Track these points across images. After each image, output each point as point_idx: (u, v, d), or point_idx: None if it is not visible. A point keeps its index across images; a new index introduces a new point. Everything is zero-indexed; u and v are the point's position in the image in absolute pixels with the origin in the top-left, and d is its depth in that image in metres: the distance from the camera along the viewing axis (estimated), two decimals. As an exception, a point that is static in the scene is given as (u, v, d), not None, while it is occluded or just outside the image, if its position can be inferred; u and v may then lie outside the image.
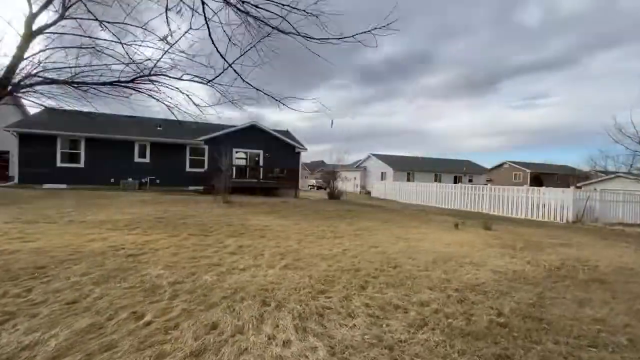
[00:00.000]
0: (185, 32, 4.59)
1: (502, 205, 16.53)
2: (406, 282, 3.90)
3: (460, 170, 37.70)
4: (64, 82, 3.92)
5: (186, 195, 15.12)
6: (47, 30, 4.12)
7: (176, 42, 4.51)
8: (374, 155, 36.48)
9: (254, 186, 16.86)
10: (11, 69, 3.66)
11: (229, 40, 4.41)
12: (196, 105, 5.18)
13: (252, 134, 19.18)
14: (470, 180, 37.57)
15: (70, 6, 4.29)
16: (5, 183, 14.77)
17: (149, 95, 4.59)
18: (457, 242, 7.10)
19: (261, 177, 18.73)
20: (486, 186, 18.06)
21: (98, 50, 4.45)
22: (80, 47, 4.34)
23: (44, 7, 4.07)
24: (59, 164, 15.90)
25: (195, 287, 3.36)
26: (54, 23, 4.17)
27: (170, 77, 4.55)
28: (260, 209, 11.27)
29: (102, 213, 8.19)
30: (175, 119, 5.71)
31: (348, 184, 38.00)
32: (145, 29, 4.90)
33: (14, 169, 15.30)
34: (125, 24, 4.47)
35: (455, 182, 33.42)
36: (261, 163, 19.34)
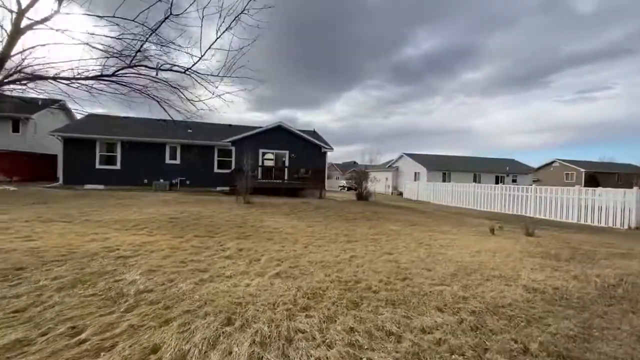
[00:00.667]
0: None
1: (550, 208, 14.78)
2: (411, 299, 3.25)
3: (502, 170, 34.91)
4: (47, 78, 3.78)
5: (212, 195, 15.29)
6: (36, 27, 4.03)
7: (152, 27, 4.23)
8: (406, 154, 34.95)
9: (279, 187, 16.67)
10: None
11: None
12: (189, 100, 4.90)
13: (278, 135, 19.07)
14: (514, 181, 34.66)
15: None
16: (52, 184, 15.96)
17: (133, 89, 4.38)
18: (489, 249, 6.20)
19: (286, 177, 18.53)
20: (530, 187, 16.30)
21: (92, 47, 4.30)
22: (73, 44, 4.22)
23: (32, 3, 3.97)
24: (97, 166, 16.90)
25: (163, 297, 3.01)
26: (46, 19, 4.08)
27: (149, 67, 4.30)
28: (279, 210, 10.95)
29: (121, 213, 8.32)
30: (170, 119, 5.48)
31: (379, 184, 36.83)
32: (144, 25, 4.71)
33: (60, 171, 16.47)
34: (121, 18, 4.30)
35: (497, 183, 31.01)
36: (287, 163, 19.15)
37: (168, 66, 5.15)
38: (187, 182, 18.22)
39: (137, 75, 4.33)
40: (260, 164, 18.61)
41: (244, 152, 17.69)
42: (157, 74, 4.69)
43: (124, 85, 4.23)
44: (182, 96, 4.84)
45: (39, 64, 3.91)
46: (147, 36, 4.40)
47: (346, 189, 36.80)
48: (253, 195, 15.16)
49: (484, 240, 7.52)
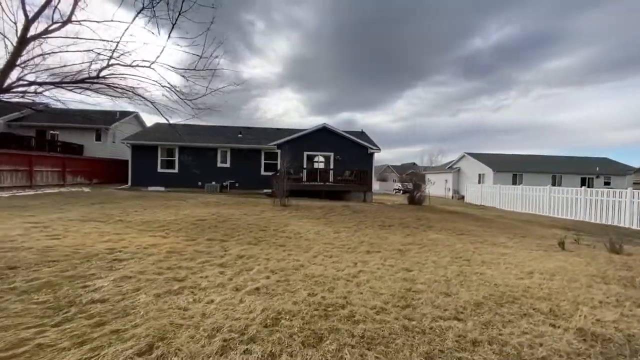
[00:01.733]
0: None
1: (653, 217, 11.77)
2: (397, 339, 2.47)
3: (591, 171, 29.49)
4: (40, 84, 3.88)
5: (255, 197, 15.56)
6: (46, 36, 4.19)
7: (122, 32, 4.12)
8: (469, 154, 31.71)
9: (321, 189, 16.26)
10: (3, 74, 3.75)
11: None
12: (180, 95, 4.71)
13: (323, 137, 18.70)
14: (607, 183, 29.04)
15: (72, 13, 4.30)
16: (122, 186, 17.93)
17: (121, 89, 4.32)
18: (547, 270, 4.89)
19: (331, 179, 18.07)
20: (626, 191, 13.23)
21: (98, 53, 4.37)
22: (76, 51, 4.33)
23: (39, 13, 4.11)
24: (159, 169, 18.50)
25: (108, 310, 2.73)
26: (55, 30, 4.22)
27: (126, 65, 4.18)
28: (312, 214, 10.51)
29: (157, 214, 8.71)
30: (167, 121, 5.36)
31: (438, 187, 34.14)
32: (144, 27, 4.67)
33: (129, 175, 18.44)
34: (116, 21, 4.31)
35: (585, 186, 26.33)
36: (331, 165, 18.66)
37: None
38: (237, 185, 18.93)
39: (121, 76, 4.27)
40: (304, 166, 18.46)
41: (288, 154, 17.77)
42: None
43: (109, 87, 4.20)
44: (177, 95, 4.67)
45: (39, 71, 4.05)
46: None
47: (401, 191, 34.94)
48: (295, 197, 15.03)
49: (545, 256, 6.07)
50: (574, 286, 4.09)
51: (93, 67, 4.06)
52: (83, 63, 4.12)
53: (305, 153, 18.62)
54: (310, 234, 7.11)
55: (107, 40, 4.16)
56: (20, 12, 3.98)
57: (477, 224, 11.09)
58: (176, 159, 18.60)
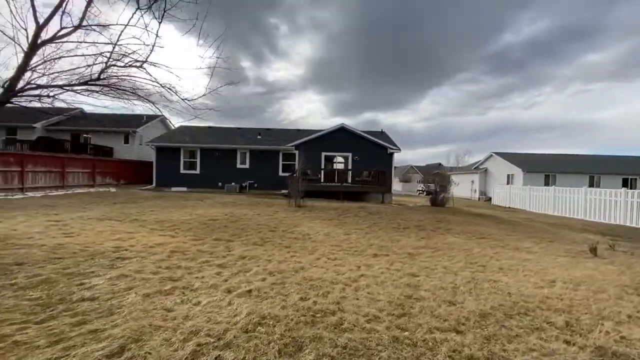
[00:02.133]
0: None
1: None
2: (382, 352, 2.27)
3: (635, 171, 27.21)
4: (47, 87, 4.01)
5: (272, 198, 15.62)
6: (56, 41, 4.35)
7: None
8: (496, 154, 30.21)
9: (338, 190, 16.06)
10: (15, 79, 3.92)
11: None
12: (183, 99, 4.73)
13: (341, 137, 18.48)
14: (653, 185, 26.63)
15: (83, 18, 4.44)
16: (147, 186, 18.65)
17: (122, 90, 4.39)
18: (572, 278, 4.46)
19: (349, 180, 17.81)
20: (673, 192, 12.00)
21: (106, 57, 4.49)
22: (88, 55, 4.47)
23: (49, 19, 4.26)
24: (182, 170, 19.08)
25: (94, 309, 2.73)
26: (66, 35, 4.37)
27: (123, 66, 4.23)
28: (325, 215, 10.35)
29: (172, 214, 8.90)
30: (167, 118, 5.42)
31: (464, 189, 32.85)
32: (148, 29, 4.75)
33: (153, 176, 19.15)
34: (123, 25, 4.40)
35: (627, 187, 24.33)
36: (350, 166, 18.39)
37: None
38: (255, 185, 19.13)
39: (125, 77, 4.34)
40: (322, 167, 18.32)
41: (306, 155, 17.71)
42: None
43: (112, 88, 4.28)
44: (175, 96, 4.69)
45: (48, 74, 4.20)
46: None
47: (424, 193, 33.95)
48: (311, 198, 14.94)
49: (573, 263, 5.57)
50: (600, 297, 3.68)
51: (96, 69, 4.17)
52: (89, 66, 4.24)
53: (323, 154, 18.48)
54: (319, 235, 6.97)
55: (111, 44, 4.26)
56: (30, 18, 4.14)
57: (501, 227, 10.47)
58: (198, 160, 19.10)
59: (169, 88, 4.43)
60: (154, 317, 2.62)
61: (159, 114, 5.52)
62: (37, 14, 4.21)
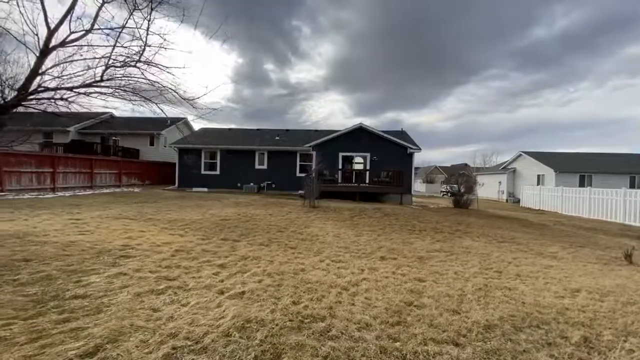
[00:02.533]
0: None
1: None
2: (367, 362, 2.09)
3: (685, 171, 24.84)
4: (55, 89, 4.14)
5: (287, 198, 15.63)
6: (67, 45, 4.50)
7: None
8: (525, 153, 28.62)
9: (355, 191, 15.80)
10: (27, 83, 4.08)
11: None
12: (185, 99, 4.75)
13: (359, 137, 18.18)
14: None
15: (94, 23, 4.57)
16: (170, 187, 19.27)
17: (123, 90, 4.46)
18: (602, 288, 4.06)
19: (367, 181, 17.48)
20: None
21: (116, 61, 4.60)
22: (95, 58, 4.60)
23: (59, 24, 4.40)
24: (202, 171, 19.55)
25: (83, 306, 2.74)
26: (77, 39, 4.52)
27: (131, 64, 4.28)
28: (339, 216, 10.17)
29: (186, 213, 9.07)
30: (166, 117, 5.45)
31: (491, 190, 31.45)
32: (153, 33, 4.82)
33: (176, 176, 19.75)
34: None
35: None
36: (368, 166, 18.05)
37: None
38: (273, 186, 19.25)
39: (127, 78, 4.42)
40: (339, 167, 18.12)
41: (323, 156, 17.60)
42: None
43: (116, 89, 4.37)
44: (177, 95, 4.72)
45: (59, 77, 4.34)
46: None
47: (448, 194, 32.84)
48: (328, 199, 14.80)
49: (603, 271, 5.10)
50: (628, 310, 3.28)
51: (102, 71, 4.27)
52: (94, 67, 4.36)
53: (341, 154, 18.26)
54: (328, 236, 6.82)
55: (111, 46, 4.35)
56: (41, 22, 4.29)
57: (527, 230, 9.84)
58: (217, 161, 19.49)
59: (170, 88, 4.46)
60: (139, 317, 2.58)
61: (181, 117, 5.60)
62: (48, 19, 4.37)
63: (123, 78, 4.39)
